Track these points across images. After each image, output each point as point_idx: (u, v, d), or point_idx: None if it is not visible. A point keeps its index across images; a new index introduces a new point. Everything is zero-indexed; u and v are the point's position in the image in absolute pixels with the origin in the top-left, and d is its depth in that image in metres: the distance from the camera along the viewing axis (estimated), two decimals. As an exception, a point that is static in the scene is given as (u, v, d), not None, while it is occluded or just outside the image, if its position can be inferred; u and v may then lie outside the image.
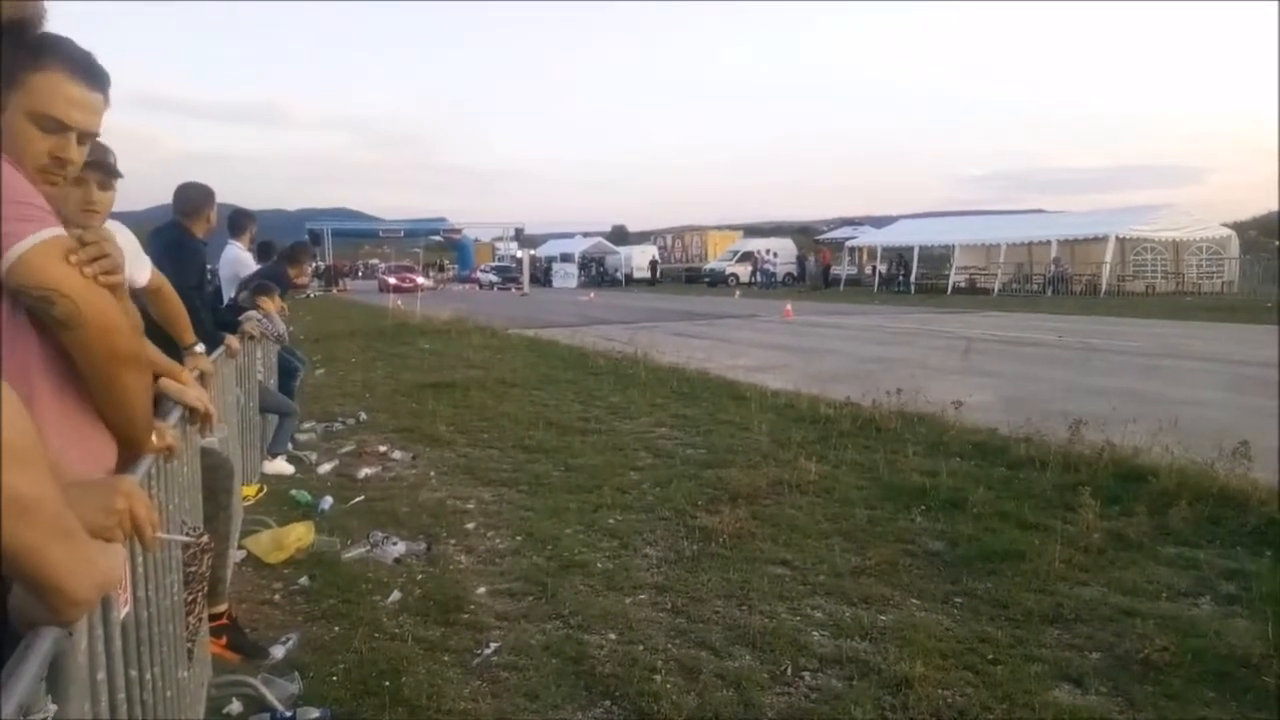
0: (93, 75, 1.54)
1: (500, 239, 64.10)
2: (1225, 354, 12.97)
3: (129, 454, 1.58)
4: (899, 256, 41.26)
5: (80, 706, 1.15)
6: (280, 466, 6.14)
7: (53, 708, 1.07)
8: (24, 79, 1.46)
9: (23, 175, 1.36)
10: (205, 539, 2.32)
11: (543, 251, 61.35)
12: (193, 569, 2.22)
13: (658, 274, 53.23)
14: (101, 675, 1.26)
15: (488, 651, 3.38)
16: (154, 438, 1.67)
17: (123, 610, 1.43)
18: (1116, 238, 32.30)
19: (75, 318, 1.35)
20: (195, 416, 2.55)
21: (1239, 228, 38.71)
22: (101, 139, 1.68)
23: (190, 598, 2.25)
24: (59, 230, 1.36)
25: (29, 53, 1.45)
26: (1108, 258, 32.01)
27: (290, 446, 6.74)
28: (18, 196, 1.31)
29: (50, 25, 1.55)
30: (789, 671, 3.22)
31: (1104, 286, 31.53)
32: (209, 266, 6.07)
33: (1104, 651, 3.34)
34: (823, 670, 3.23)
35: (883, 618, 3.67)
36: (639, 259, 54.40)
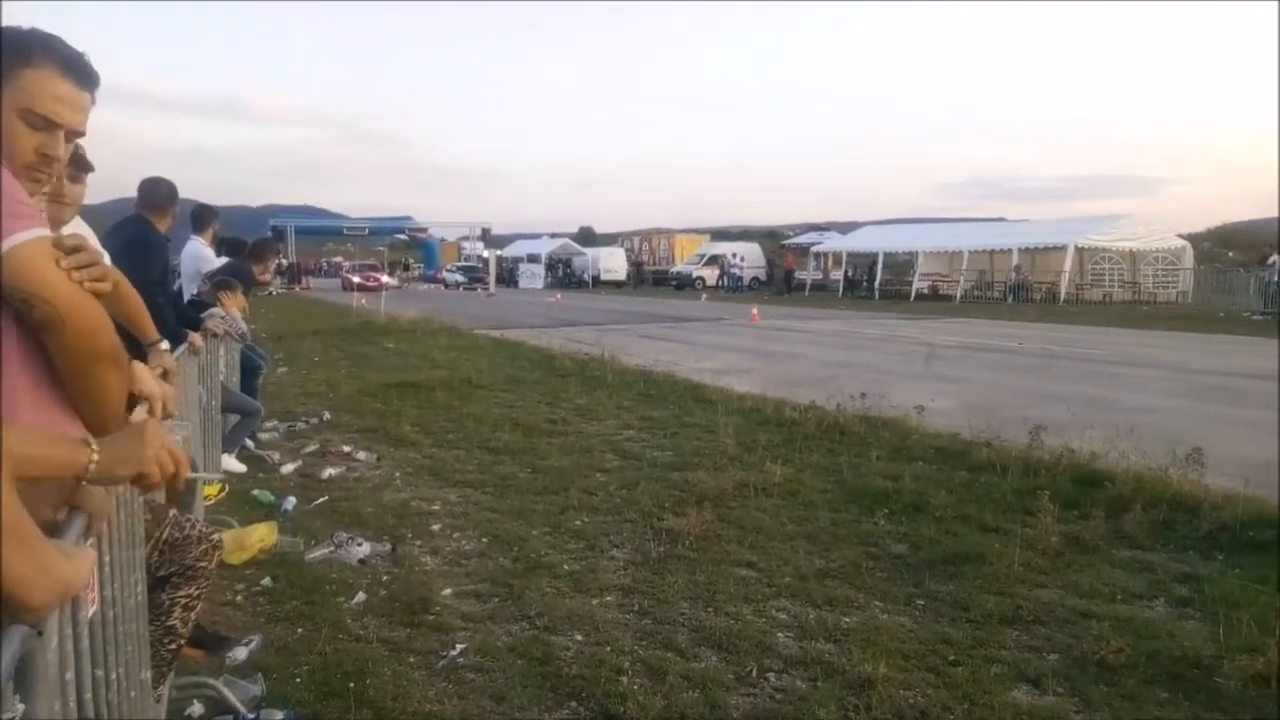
0: (83, 75, 1.54)
1: (466, 239, 63.81)
2: (1180, 362, 13.27)
3: None
4: (864, 262, 41.65)
5: (48, 706, 1.14)
6: (232, 463, 6.06)
7: (20, 707, 1.05)
8: (14, 75, 1.45)
9: (9, 172, 1.35)
10: (216, 537, 2.35)
11: (509, 252, 61.13)
12: (203, 565, 2.25)
13: (642, 276, 51.79)
14: (70, 674, 1.24)
15: (453, 653, 3.37)
16: None
17: (90, 609, 1.42)
18: (1075, 247, 32.84)
19: (56, 321, 1.34)
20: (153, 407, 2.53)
21: (1194, 239, 39.56)
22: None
23: (196, 592, 2.28)
24: (44, 230, 1.35)
25: (20, 49, 1.45)
26: (1067, 266, 32.53)
27: (252, 445, 6.66)
28: (7, 193, 1.29)
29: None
30: (754, 673, 3.24)
31: (1063, 295, 32.03)
32: (171, 262, 5.98)
33: (1061, 652, 3.41)
34: (787, 671, 3.26)
35: (846, 619, 3.71)
36: (607, 261, 54.25)
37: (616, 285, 50.20)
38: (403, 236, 68.78)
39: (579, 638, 3.52)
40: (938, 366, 12.95)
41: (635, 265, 53.69)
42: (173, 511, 2.43)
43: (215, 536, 2.40)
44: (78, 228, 3.09)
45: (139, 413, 2.02)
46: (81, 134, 1.58)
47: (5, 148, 1.42)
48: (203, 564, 2.33)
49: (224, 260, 7.21)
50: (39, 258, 1.32)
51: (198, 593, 2.37)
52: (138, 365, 2.29)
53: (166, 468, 1.37)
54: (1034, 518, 4.69)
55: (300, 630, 3.58)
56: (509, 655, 3.35)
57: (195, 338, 4.66)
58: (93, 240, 3.22)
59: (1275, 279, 24.25)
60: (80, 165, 2.46)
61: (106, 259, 3.25)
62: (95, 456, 1.27)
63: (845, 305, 32.04)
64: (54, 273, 1.34)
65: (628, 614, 3.77)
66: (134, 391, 2.20)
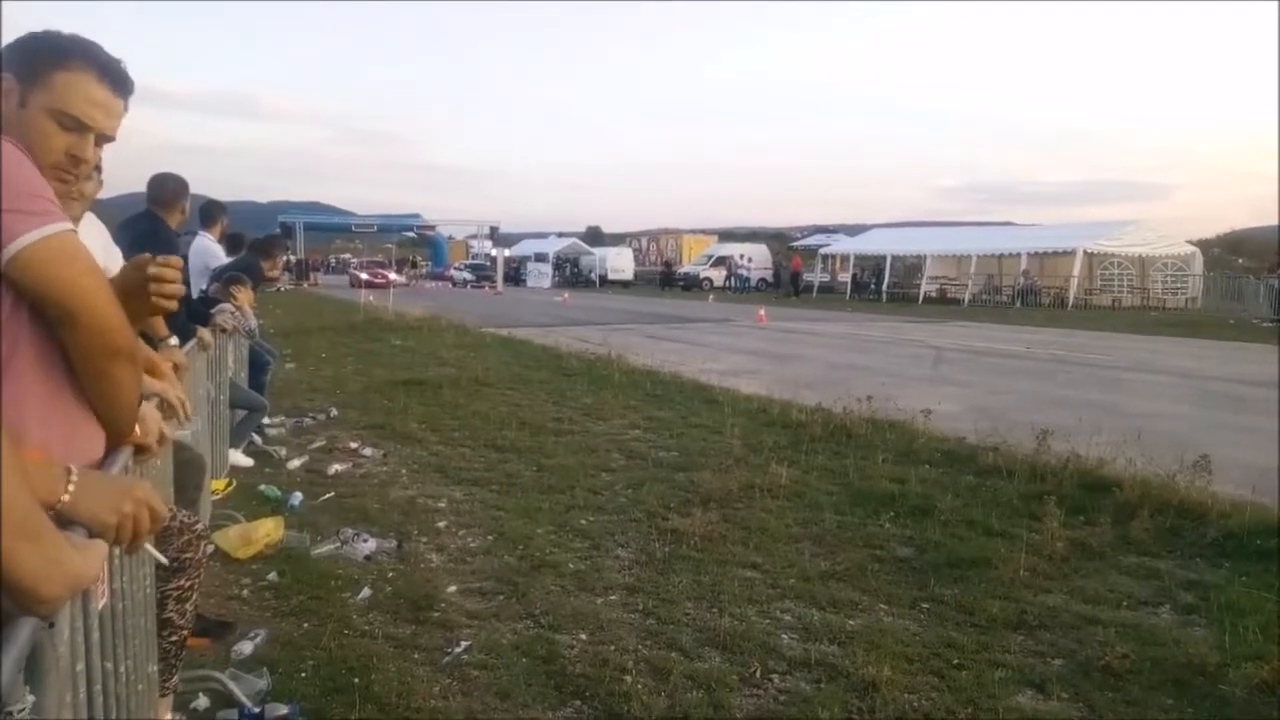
0: (118, 80, 1.57)
1: (475, 237, 64.04)
2: (1188, 369, 13.22)
3: (110, 445, 1.58)
4: (872, 265, 41.64)
5: (58, 698, 1.14)
6: (239, 458, 6.07)
7: (30, 699, 1.06)
8: (49, 76, 1.47)
9: (34, 169, 1.36)
10: (200, 526, 2.34)
11: (517, 251, 61.22)
12: (188, 555, 2.25)
13: (671, 278, 48.53)
14: (80, 666, 1.25)
15: (458, 650, 3.37)
16: (137, 430, 1.66)
17: (100, 602, 1.43)
18: (1084, 252, 32.77)
19: (69, 319, 1.35)
20: (167, 409, 2.55)
21: (1203, 245, 39.42)
22: None
23: (187, 583, 2.28)
24: (64, 226, 1.35)
25: (57, 52, 1.47)
26: (1075, 271, 32.47)
27: (259, 441, 6.68)
28: (28, 189, 1.31)
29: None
30: (758, 674, 3.24)
31: (1071, 300, 31.98)
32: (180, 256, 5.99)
33: (1066, 658, 3.40)
34: (791, 673, 3.26)
35: (851, 622, 3.71)
36: (615, 260, 54.13)
37: (624, 285, 50.05)
38: (411, 234, 68.99)
39: (583, 636, 3.53)
40: (945, 370, 12.92)
41: (665, 265, 51.67)
42: None
43: (199, 526, 2.38)
44: (90, 224, 3.11)
45: (148, 408, 2.04)
46: (112, 139, 1.61)
47: (36, 147, 1.44)
48: (188, 554, 2.32)
49: (232, 257, 7.24)
50: (54, 255, 1.33)
51: (189, 584, 2.37)
52: (156, 361, 2.31)
53: (125, 535, 1.31)
54: (1040, 523, 4.68)
55: (306, 625, 3.59)
56: (513, 653, 3.36)
57: (204, 333, 4.67)
58: (105, 236, 3.24)
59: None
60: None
61: (118, 254, 3.27)
62: (67, 496, 1.22)
63: (853, 308, 32.00)
64: (69, 270, 1.35)
65: (632, 613, 3.77)
66: (155, 378, 2.23)
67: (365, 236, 72.73)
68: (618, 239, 73.74)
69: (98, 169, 2.54)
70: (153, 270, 1.53)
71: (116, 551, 1.61)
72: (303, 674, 3.17)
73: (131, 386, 1.53)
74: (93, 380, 1.43)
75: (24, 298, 1.32)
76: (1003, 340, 18.11)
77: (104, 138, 1.58)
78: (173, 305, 1.58)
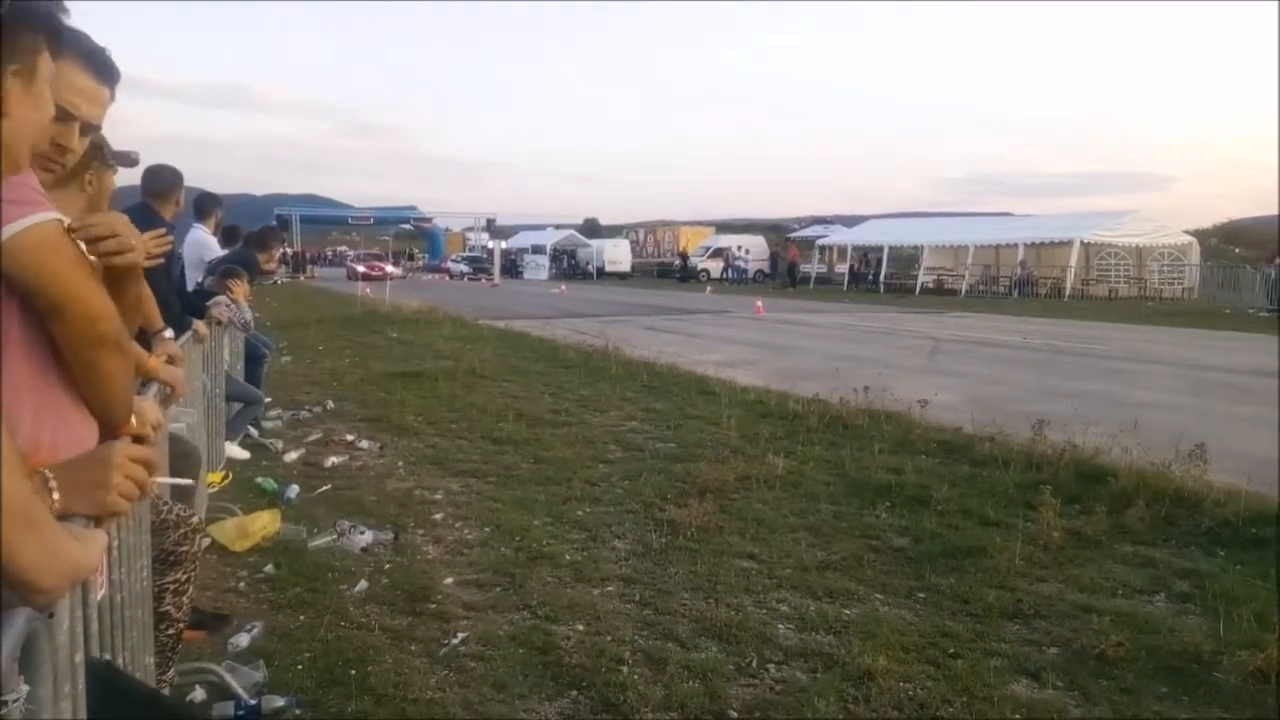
0: (104, 69, 1.56)
1: (471, 229, 63.90)
2: (1184, 358, 13.24)
3: (105, 437, 1.57)
4: (868, 256, 41.62)
5: (52, 688, 1.14)
6: (235, 451, 6.07)
7: (24, 688, 1.06)
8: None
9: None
10: (196, 519, 2.35)
11: (514, 243, 61.09)
12: (184, 549, 2.25)
13: (688, 271, 46.08)
14: (79, 658, 1.25)
15: (455, 641, 3.38)
16: (133, 420, 1.66)
17: (99, 593, 1.43)
18: (1081, 242, 32.78)
19: (54, 308, 1.34)
20: (166, 398, 2.56)
21: (1201, 235, 39.41)
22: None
23: (184, 577, 2.28)
24: (50, 215, 1.35)
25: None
26: (1072, 262, 32.47)
27: (255, 433, 6.68)
28: (13, 178, 1.30)
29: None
30: (754, 663, 3.25)
31: (1068, 290, 31.97)
32: (175, 250, 5.98)
33: (1061, 646, 3.41)
34: (787, 662, 3.28)
35: (847, 611, 3.72)
36: (612, 252, 53.96)
37: (621, 277, 49.92)
38: (408, 226, 68.90)
39: (580, 627, 3.54)
40: (942, 361, 12.93)
41: (681, 257, 49.31)
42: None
43: (194, 519, 2.39)
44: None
45: (145, 399, 2.04)
46: (97, 127, 1.59)
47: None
48: (184, 548, 2.32)
49: (227, 249, 7.22)
50: (38, 244, 1.32)
51: (185, 577, 2.37)
52: (142, 358, 2.31)
53: (130, 495, 1.30)
54: (1036, 512, 4.69)
55: (302, 617, 3.59)
56: (510, 644, 3.36)
57: (199, 325, 4.67)
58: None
59: (1281, 276, 24.16)
60: (124, 161, 2.49)
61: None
62: (56, 500, 1.20)
63: (850, 299, 31.99)
64: (54, 258, 1.34)
65: (629, 604, 3.78)
66: (149, 376, 2.22)
67: (362, 229, 72.59)
68: (615, 231, 73.66)
69: (122, 161, 2.54)
70: (77, 234, 1.49)
71: (115, 543, 1.61)
72: (299, 666, 3.18)
73: (122, 377, 1.52)
74: (83, 371, 1.43)
75: (13, 289, 1.32)
76: (999, 330, 18.13)
77: (90, 126, 1.57)
78: (118, 260, 1.54)
